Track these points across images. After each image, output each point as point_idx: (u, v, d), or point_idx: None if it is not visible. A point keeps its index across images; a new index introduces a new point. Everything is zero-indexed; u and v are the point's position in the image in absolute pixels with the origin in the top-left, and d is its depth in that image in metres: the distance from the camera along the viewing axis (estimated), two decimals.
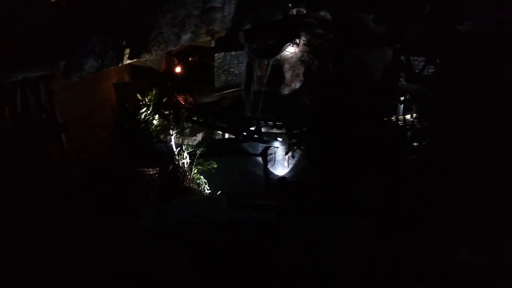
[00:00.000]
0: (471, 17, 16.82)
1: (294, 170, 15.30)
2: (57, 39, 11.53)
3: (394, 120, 14.98)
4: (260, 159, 15.36)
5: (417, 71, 17.01)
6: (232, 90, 18.62)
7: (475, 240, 7.09)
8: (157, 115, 13.64)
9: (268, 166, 15.28)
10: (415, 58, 17.17)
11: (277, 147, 15.58)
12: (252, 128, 16.09)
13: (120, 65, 13.29)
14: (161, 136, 14.65)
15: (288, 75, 18.35)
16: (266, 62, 18.04)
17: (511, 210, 9.31)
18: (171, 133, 13.37)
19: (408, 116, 15.12)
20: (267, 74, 18.17)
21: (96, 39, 11.64)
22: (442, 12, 17.29)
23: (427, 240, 8.21)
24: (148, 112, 13.53)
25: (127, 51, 13.34)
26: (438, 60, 16.51)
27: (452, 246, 6.81)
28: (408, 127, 14.39)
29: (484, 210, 9.98)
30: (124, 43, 13.11)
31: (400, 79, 16.98)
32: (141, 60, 14.37)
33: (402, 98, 15.55)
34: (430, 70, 16.90)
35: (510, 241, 6.66)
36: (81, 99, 14.31)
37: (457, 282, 5.83)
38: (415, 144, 13.71)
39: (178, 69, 18.92)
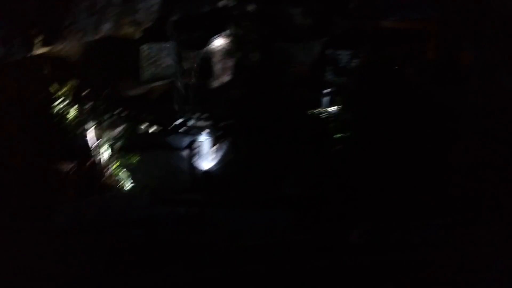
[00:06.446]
0: (394, 13, 17.50)
1: (220, 163, 15.18)
2: None
3: (318, 112, 15.24)
4: (185, 152, 15.07)
5: (342, 64, 17.42)
6: (160, 82, 18.11)
7: (368, 224, 7.39)
8: (74, 108, 12.95)
9: (193, 160, 15.04)
10: (341, 52, 17.58)
11: (203, 141, 15.38)
12: (178, 121, 15.79)
13: (30, 54, 12.44)
14: (79, 130, 13.96)
15: (217, 68, 18.14)
16: (194, 54, 17.73)
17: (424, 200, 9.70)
18: (89, 127, 12.80)
19: (332, 109, 15.44)
20: (196, 66, 17.88)
21: None
22: (367, 8, 17.83)
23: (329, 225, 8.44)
24: (64, 104, 12.82)
25: (39, 39, 12.52)
26: (361, 54, 17.01)
27: (346, 230, 7.09)
28: (331, 119, 14.69)
29: (399, 199, 10.35)
30: (35, 30, 12.28)
31: (326, 73, 17.30)
32: (56, 49, 13.56)
33: (327, 91, 15.88)
34: (355, 64, 17.36)
35: (400, 223, 7.02)
36: None
37: (344, 258, 6.20)
38: (338, 135, 14.01)
39: None
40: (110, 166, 13.04)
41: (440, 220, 6.70)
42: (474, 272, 4.90)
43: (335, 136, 14.00)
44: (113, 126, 14.71)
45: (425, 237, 6.07)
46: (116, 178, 13.19)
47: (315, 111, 15.28)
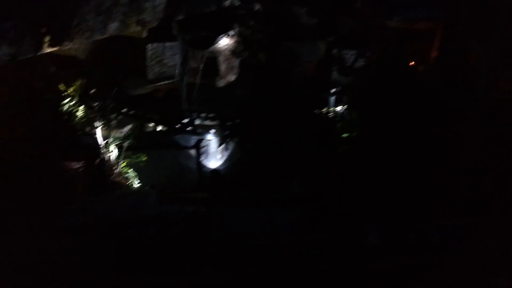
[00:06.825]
0: (400, 13, 17.49)
1: (227, 162, 15.24)
2: None
3: (325, 112, 15.25)
4: (193, 151, 15.13)
5: (348, 64, 17.44)
6: (166, 82, 18.17)
7: (386, 224, 7.38)
8: (81, 107, 13.01)
9: (201, 159, 15.09)
10: (347, 51, 17.61)
11: (210, 140, 15.44)
12: (185, 120, 15.84)
13: (39, 53, 12.52)
14: (87, 129, 14.04)
15: (223, 67, 18.17)
16: (200, 53, 17.77)
17: (434, 198, 9.72)
18: (97, 126, 12.86)
19: (338, 108, 15.46)
20: (202, 66, 17.92)
21: (10, 24, 10.87)
22: (372, 7, 17.84)
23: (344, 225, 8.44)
24: (72, 103, 12.88)
25: (48, 38, 12.59)
26: (368, 54, 17.02)
27: (364, 230, 7.08)
28: (338, 118, 14.68)
29: (408, 197, 10.36)
30: (44, 30, 12.35)
31: (333, 72, 17.33)
32: (64, 48, 13.63)
33: (333, 91, 15.89)
34: (361, 63, 17.37)
35: (420, 224, 7.01)
36: None
37: (364, 261, 6.16)
38: (345, 135, 14.01)
39: None
40: (118, 164, 13.07)
41: (454, 222, 6.71)
42: (490, 275, 4.89)
43: (342, 135, 14.00)
44: (121, 125, 14.81)
45: (440, 240, 6.08)
46: (124, 176, 13.23)
47: (321, 110, 15.26)
